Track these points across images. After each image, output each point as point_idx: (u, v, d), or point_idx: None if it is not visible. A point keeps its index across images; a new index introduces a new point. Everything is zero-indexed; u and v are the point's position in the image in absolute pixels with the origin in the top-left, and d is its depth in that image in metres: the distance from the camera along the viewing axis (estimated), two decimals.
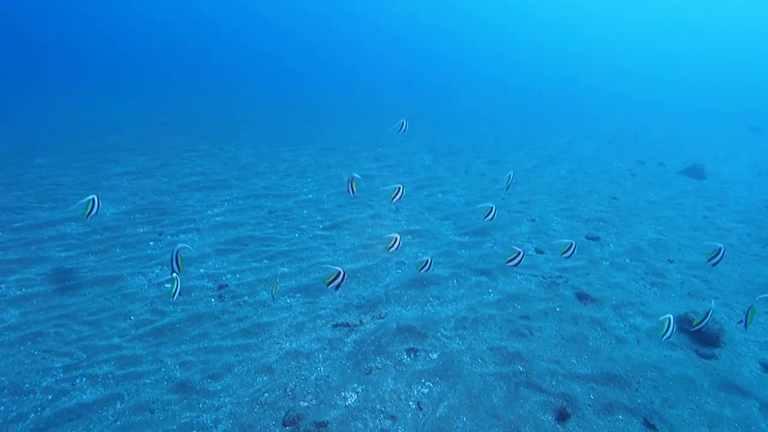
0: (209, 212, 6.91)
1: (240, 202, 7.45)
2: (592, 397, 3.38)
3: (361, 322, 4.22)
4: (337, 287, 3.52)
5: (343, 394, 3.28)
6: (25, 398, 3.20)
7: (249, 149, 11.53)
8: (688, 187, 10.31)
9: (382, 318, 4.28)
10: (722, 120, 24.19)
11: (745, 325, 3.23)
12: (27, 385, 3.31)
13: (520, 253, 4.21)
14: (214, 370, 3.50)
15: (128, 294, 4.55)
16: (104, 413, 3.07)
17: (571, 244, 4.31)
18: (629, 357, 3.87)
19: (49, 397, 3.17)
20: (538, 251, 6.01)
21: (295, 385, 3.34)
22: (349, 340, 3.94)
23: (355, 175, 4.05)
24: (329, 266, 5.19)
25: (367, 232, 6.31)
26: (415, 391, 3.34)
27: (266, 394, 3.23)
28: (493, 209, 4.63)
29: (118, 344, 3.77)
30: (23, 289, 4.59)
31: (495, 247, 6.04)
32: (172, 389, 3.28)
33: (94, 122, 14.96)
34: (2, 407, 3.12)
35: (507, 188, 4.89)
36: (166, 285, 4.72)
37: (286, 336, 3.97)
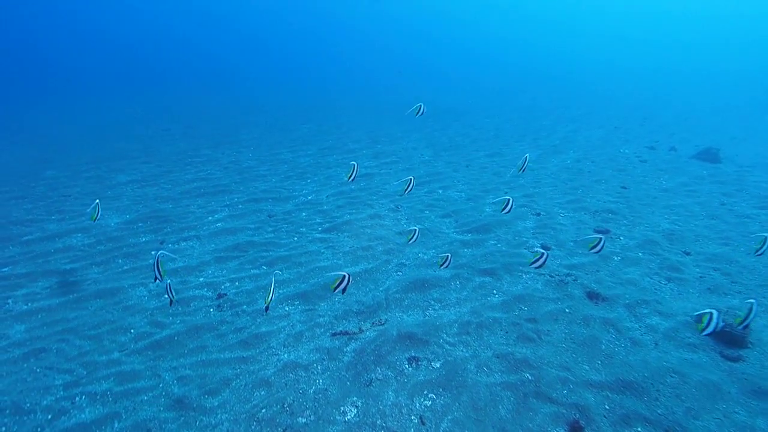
0: (210, 218, 6.88)
1: (240, 206, 7.40)
2: (607, 408, 3.21)
3: (360, 329, 4.12)
4: (343, 291, 3.42)
5: (342, 408, 3.19)
6: (25, 418, 3.20)
7: (250, 152, 11.49)
8: (703, 172, 9.91)
9: (383, 324, 4.18)
10: (735, 100, 23.26)
11: None
12: (28, 405, 3.30)
13: (543, 254, 4.04)
14: (211, 384, 3.45)
15: (129, 306, 4.53)
16: None
17: (600, 239, 4.21)
18: (646, 361, 3.68)
19: (49, 416, 3.16)
20: (545, 247, 5.81)
21: (293, 400, 3.26)
22: (348, 349, 3.84)
23: (354, 163, 4.02)
24: (328, 272, 5.12)
25: (367, 233, 6.19)
26: (418, 404, 3.23)
27: (264, 410, 3.16)
28: (510, 201, 4.47)
29: (118, 359, 3.75)
30: (29, 304, 4.61)
31: (499, 245, 5.87)
32: (169, 406, 3.23)
33: (102, 130, 15.12)
34: (3, 428, 3.11)
35: (522, 170, 4.77)
36: (165, 296, 4.68)
37: (284, 346, 3.89)
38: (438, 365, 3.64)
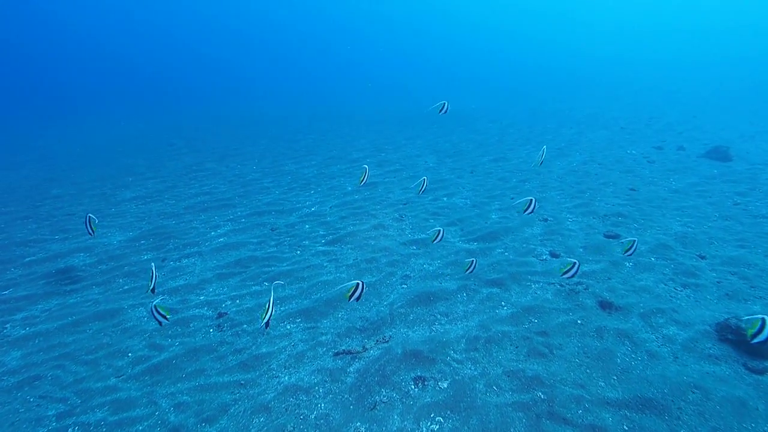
0: (212, 233, 6.81)
1: (243, 220, 7.34)
2: (626, 429, 3.02)
3: (364, 347, 3.97)
4: (357, 299, 3.34)
5: None
6: None
7: (254, 164, 11.48)
8: (713, 171, 9.65)
9: (387, 342, 4.02)
10: (741, 96, 22.87)
11: None
12: None
13: (575, 264, 3.91)
14: (209, 411, 3.32)
15: (128, 328, 4.44)
16: None
17: (634, 241, 4.19)
18: (665, 376, 3.48)
19: None
20: (553, 255, 5.63)
21: (294, 427, 3.11)
22: (351, 369, 3.70)
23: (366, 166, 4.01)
24: (331, 286, 4.99)
25: (371, 245, 6.06)
26: (425, 429, 3.06)
27: None
28: (533, 202, 4.36)
29: (114, 385, 3.64)
30: (27, 329, 4.55)
31: (506, 253, 5.70)
32: None
33: (108, 146, 15.29)
34: None
35: (541, 163, 4.70)
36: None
37: (285, 368, 3.75)
38: (445, 385, 3.47)
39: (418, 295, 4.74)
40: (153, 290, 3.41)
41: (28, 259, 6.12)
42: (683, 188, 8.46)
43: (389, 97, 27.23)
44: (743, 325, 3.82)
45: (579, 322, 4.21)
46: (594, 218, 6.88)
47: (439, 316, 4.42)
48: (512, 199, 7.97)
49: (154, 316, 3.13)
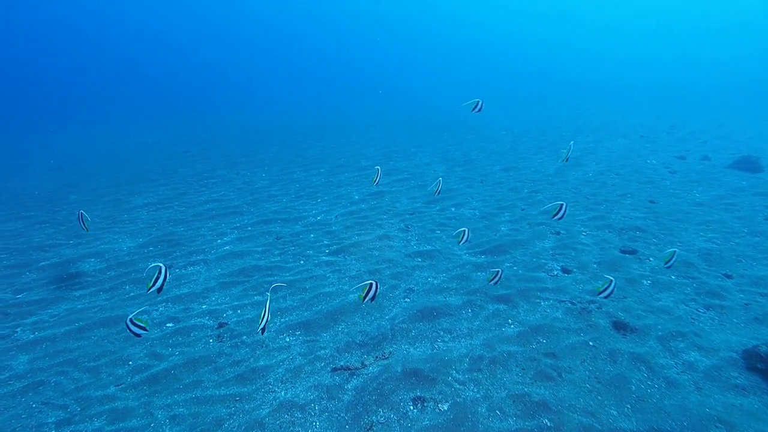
0: (219, 241, 6.86)
1: (249, 228, 7.37)
2: None
3: (363, 364, 3.85)
4: (372, 299, 3.29)
5: None
6: None
7: (264, 172, 11.60)
8: (741, 183, 9.17)
9: (387, 358, 3.90)
10: None
11: None
12: None
13: (611, 281, 3.75)
14: (203, 425, 3.26)
15: (130, 336, 4.46)
16: None
17: (674, 252, 4.12)
18: (685, 407, 3.23)
19: None
20: (565, 270, 5.40)
21: None
22: (349, 386, 3.58)
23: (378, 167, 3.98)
24: (333, 298, 4.91)
25: (375, 256, 5.96)
26: None
27: None
28: (564, 207, 4.22)
29: (113, 394, 3.64)
30: (36, 333, 4.62)
31: (515, 268, 5.50)
32: None
33: (127, 153, 15.79)
34: None
35: (566, 160, 4.57)
36: (168, 324, 4.60)
37: (282, 382, 3.67)
38: (446, 407, 3.32)
39: (421, 310, 4.60)
40: (160, 290, 3.39)
41: (42, 263, 6.29)
42: (708, 201, 8.06)
43: (401, 104, 27.28)
44: None
45: (591, 343, 3.99)
46: (610, 232, 6.60)
47: (442, 333, 4.27)
48: (523, 210, 7.75)
49: (130, 329, 3.10)
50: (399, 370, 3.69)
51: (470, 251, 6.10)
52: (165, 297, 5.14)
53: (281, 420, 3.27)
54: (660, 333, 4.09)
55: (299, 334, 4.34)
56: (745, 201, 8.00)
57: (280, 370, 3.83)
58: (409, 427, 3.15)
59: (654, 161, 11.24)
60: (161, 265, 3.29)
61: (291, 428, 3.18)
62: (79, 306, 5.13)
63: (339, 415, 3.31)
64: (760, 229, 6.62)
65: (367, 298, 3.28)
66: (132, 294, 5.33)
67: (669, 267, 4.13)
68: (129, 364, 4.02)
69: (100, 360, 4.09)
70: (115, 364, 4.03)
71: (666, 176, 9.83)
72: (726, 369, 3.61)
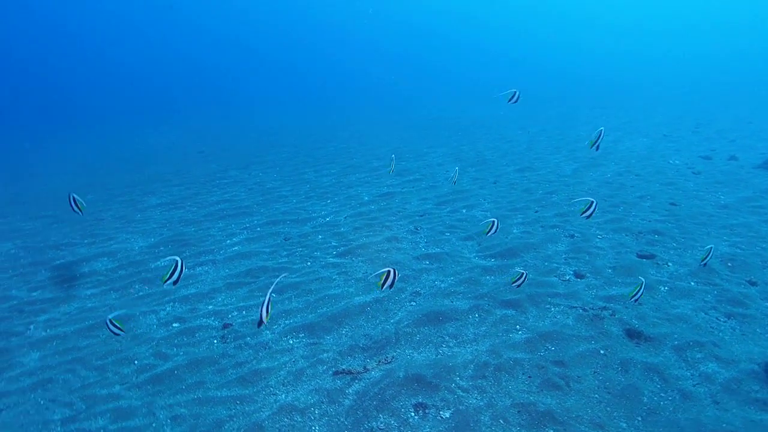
0: (228, 242, 6.92)
1: (258, 229, 7.41)
2: None
3: (365, 368, 3.79)
4: (390, 286, 3.26)
5: None
6: None
7: (275, 173, 11.69)
8: None
9: (389, 363, 3.82)
10: None
11: None
12: None
13: (641, 284, 3.75)
14: (203, 427, 3.26)
15: (137, 335, 4.53)
16: None
17: (711, 249, 4.15)
18: (701, 422, 3.04)
19: None
20: (578, 275, 5.21)
21: None
22: (350, 391, 3.53)
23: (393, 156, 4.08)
24: (338, 301, 4.87)
25: (382, 258, 5.89)
26: None
27: None
28: (594, 204, 4.12)
29: (118, 393, 3.68)
30: (48, 331, 4.74)
31: (526, 272, 5.33)
32: None
33: (145, 153, 16.20)
34: None
35: (597, 147, 4.48)
36: (174, 324, 4.65)
37: (283, 385, 3.65)
38: (447, 415, 3.22)
39: (427, 314, 4.50)
40: (176, 283, 3.43)
41: (57, 262, 6.47)
42: (733, 203, 7.67)
43: (416, 104, 27.12)
44: None
45: (602, 352, 3.82)
46: (627, 235, 6.35)
47: (447, 338, 4.17)
48: (536, 212, 7.55)
49: (109, 329, 3.15)
50: (401, 375, 3.61)
51: (480, 254, 5.96)
52: (172, 297, 5.21)
53: (281, 423, 3.23)
54: (676, 342, 3.88)
55: (302, 337, 4.32)
56: None
57: (282, 372, 3.81)
58: None
59: (677, 161, 10.80)
60: (178, 258, 3.32)
61: None
62: (89, 305, 5.24)
63: (339, 419, 3.25)
64: None
65: (385, 286, 3.23)
66: (141, 293, 5.42)
67: (705, 265, 4.03)
68: (134, 363, 4.07)
69: (107, 359, 4.15)
70: (121, 363, 4.09)
71: (689, 177, 9.42)
72: (746, 382, 3.39)
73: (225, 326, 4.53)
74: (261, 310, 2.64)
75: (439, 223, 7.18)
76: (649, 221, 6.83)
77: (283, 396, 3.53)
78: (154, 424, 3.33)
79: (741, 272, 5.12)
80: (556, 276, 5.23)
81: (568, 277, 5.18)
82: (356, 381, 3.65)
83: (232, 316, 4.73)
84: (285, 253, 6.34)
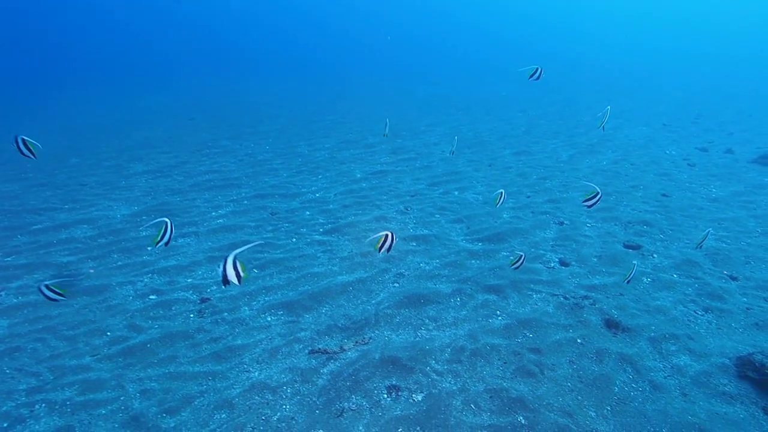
0: (213, 214, 6.75)
1: (245, 202, 7.24)
2: None
3: (341, 348, 3.76)
4: (388, 250, 3.12)
5: None
6: None
7: (268, 144, 11.37)
8: (764, 179, 8.65)
9: (366, 344, 3.80)
10: None
11: None
12: None
13: (634, 267, 3.95)
14: (173, 401, 3.23)
15: (112, 306, 4.44)
16: None
17: (708, 232, 4.26)
18: (667, 413, 3.07)
19: (5, 424, 3.06)
20: (563, 263, 5.18)
21: (254, 427, 2.97)
22: (324, 371, 3.50)
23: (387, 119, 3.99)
24: (320, 279, 4.79)
25: (368, 238, 5.80)
26: None
27: None
28: (598, 195, 4.05)
29: (87, 365, 3.62)
30: (19, 298, 4.63)
31: (511, 257, 5.28)
32: (125, 423, 3.04)
33: (137, 118, 15.63)
34: None
35: (603, 127, 4.44)
36: (151, 297, 4.56)
37: (257, 363, 3.61)
38: (420, 398, 3.22)
39: (409, 296, 4.46)
40: (167, 244, 3.36)
41: (35, 227, 6.28)
42: (724, 197, 7.63)
43: (418, 81, 26.36)
44: None
45: (579, 341, 3.82)
46: (616, 225, 6.30)
47: (426, 321, 4.14)
48: (528, 197, 7.45)
49: (44, 294, 3.02)
50: (377, 356, 3.59)
51: (467, 238, 5.89)
52: (151, 268, 5.09)
53: (251, 401, 3.21)
54: (652, 334, 3.89)
55: (281, 314, 4.26)
56: (764, 199, 7.54)
57: (257, 350, 3.77)
58: (380, 416, 3.07)
59: (673, 152, 10.68)
60: (167, 219, 3.19)
61: (260, 410, 3.13)
62: (65, 273, 5.11)
63: (311, 399, 3.24)
64: None
65: (382, 249, 3.08)
66: (120, 263, 5.29)
67: (700, 247, 4.07)
68: (107, 335, 4.00)
69: (79, 329, 4.07)
70: (93, 334, 4.01)
71: (684, 169, 9.33)
72: (716, 375, 3.42)
73: (203, 300, 4.46)
74: (224, 267, 2.36)
75: (430, 205, 7.06)
76: (640, 212, 6.78)
77: (256, 374, 3.49)
78: (122, 397, 3.29)
79: (724, 266, 5.12)
80: (541, 263, 5.19)
81: (552, 265, 5.14)
82: (331, 361, 3.62)
83: (211, 291, 4.65)
84: (270, 228, 6.21)
